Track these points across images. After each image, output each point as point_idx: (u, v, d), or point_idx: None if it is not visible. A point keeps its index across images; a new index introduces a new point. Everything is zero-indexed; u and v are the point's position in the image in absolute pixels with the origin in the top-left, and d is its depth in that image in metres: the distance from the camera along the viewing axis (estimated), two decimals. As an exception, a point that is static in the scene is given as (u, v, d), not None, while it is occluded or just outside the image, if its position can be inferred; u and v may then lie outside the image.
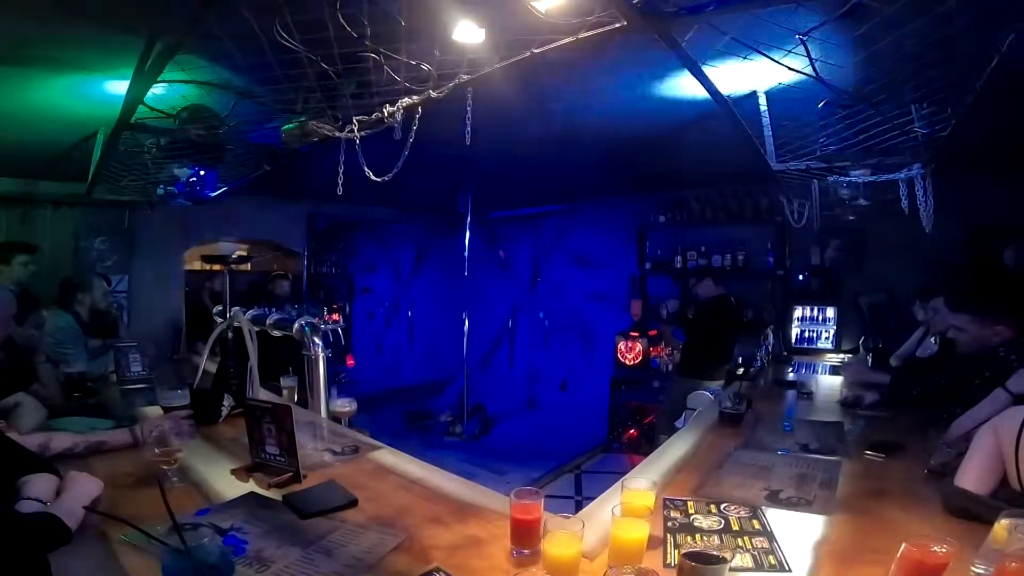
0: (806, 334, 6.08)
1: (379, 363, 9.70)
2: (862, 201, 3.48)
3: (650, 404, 6.35)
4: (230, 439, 2.43)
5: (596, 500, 1.91)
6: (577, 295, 8.12)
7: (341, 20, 1.61)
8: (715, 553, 1.23)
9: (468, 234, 7.30)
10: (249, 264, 7.35)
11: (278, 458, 1.94)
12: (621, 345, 6.73)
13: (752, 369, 4.52)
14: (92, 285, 4.44)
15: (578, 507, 4.37)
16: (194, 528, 1.28)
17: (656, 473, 2.13)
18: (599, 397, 6.91)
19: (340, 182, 2.18)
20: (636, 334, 6.69)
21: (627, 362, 6.69)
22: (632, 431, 6.38)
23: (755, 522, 1.70)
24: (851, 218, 4.06)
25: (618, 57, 2.59)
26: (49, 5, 2.08)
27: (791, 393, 3.80)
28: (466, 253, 7.39)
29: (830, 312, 6.00)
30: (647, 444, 5.69)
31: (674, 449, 2.53)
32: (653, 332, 6.76)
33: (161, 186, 3.90)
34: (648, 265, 7.06)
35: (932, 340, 3.83)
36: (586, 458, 6.26)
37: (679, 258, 6.79)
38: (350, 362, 8.77)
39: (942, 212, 3.07)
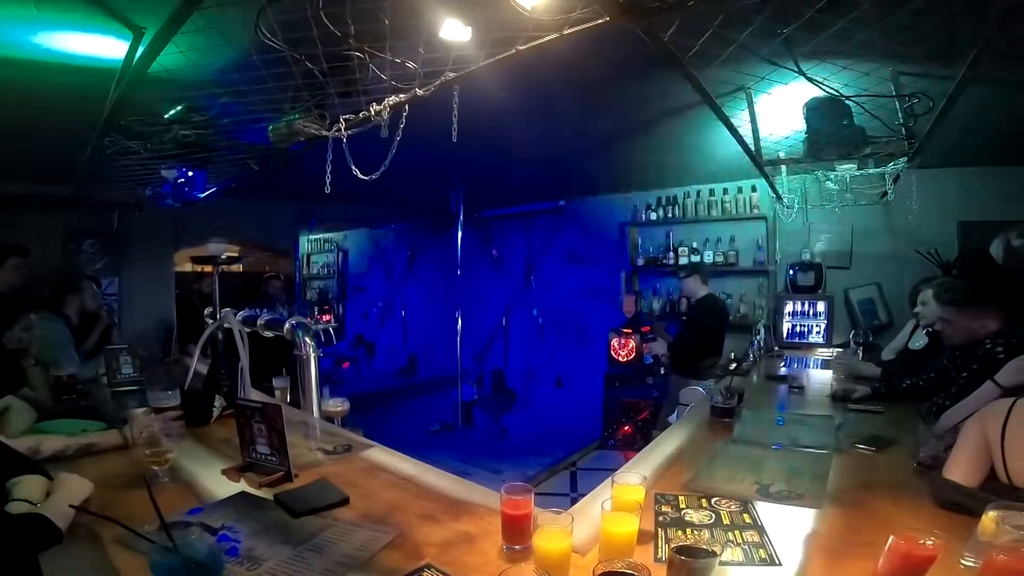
0: (797, 329, 6.10)
1: (373, 363, 9.70)
2: (850, 195, 3.49)
3: (644, 400, 6.36)
4: (222, 440, 2.42)
5: (587, 496, 1.92)
6: (570, 292, 8.13)
7: (324, 19, 1.61)
8: (705, 547, 1.24)
9: (460, 233, 7.29)
10: (240, 265, 7.34)
11: (269, 457, 1.94)
12: (614, 342, 6.73)
13: (744, 364, 4.54)
14: (82, 288, 4.41)
15: (573, 504, 4.35)
16: (184, 527, 1.28)
17: (647, 468, 2.14)
18: (593, 394, 6.92)
19: (328, 181, 2.18)
20: (629, 331, 6.70)
21: (620, 359, 6.70)
22: (626, 428, 6.38)
23: (746, 516, 1.70)
24: (839, 212, 4.09)
25: (605, 53, 2.59)
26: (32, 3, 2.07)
27: (782, 387, 3.81)
28: (459, 252, 7.38)
29: (820, 306, 6.03)
30: (641, 440, 5.70)
31: (666, 444, 2.54)
32: (646, 328, 6.77)
33: (149, 188, 3.88)
34: (640, 261, 7.08)
35: (924, 333, 3.85)
36: (581, 455, 6.27)
37: (671, 254, 6.81)
38: (344, 363, 8.77)
39: (930, 206, 3.10)
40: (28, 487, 1.56)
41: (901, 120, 2.52)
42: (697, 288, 5.37)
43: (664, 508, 1.77)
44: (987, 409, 1.89)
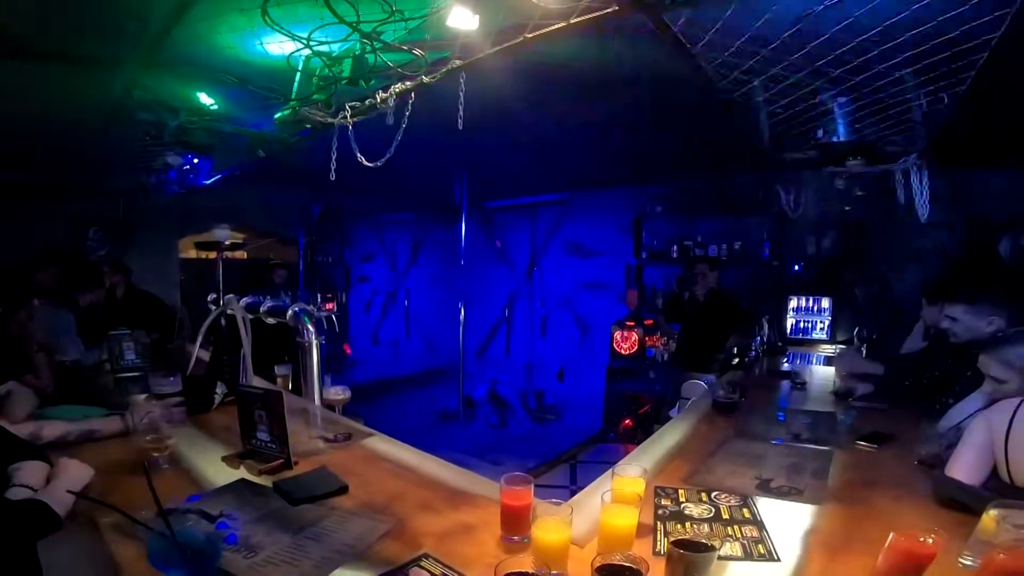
0: (801, 324, 6.08)
1: (376, 352, 9.71)
2: (858, 192, 3.46)
3: (646, 394, 6.35)
4: (223, 427, 2.42)
5: (587, 488, 1.92)
6: (574, 284, 8.12)
7: (329, 7, 1.59)
8: (704, 541, 1.23)
9: (464, 223, 7.28)
10: (245, 252, 7.34)
11: (269, 445, 1.94)
12: (617, 335, 6.72)
13: (747, 359, 4.53)
14: (103, 281, 4.40)
15: (572, 497, 4.33)
16: (183, 514, 1.28)
17: (648, 461, 2.13)
18: (595, 387, 6.92)
19: (333, 167, 2.17)
20: (632, 324, 6.69)
21: (623, 352, 6.69)
22: (627, 421, 6.38)
23: (745, 511, 1.70)
24: (847, 208, 4.06)
25: (612, 43, 2.57)
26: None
27: (785, 383, 3.80)
28: (462, 243, 7.37)
29: (825, 303, 6.00)
30: (643, 434, 5.67)
31: (667, 437, 2.53)
32: (649, 322, 6.76)
33: (154, 175, 3.88)
34: (644, 255, 7.06)
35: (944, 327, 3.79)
36: (581, 448, 6.27)
37: (675, 248, 6.79)
38: (347, 350, 8.80)
39: (938, 204, 3.06)
40: (28, 473, 1.57)
41: (912, 117, 2.50)
42: (712, 283, 5.44)
43: (664, 501, 1.76)
44: (993, 408, 1.88)
